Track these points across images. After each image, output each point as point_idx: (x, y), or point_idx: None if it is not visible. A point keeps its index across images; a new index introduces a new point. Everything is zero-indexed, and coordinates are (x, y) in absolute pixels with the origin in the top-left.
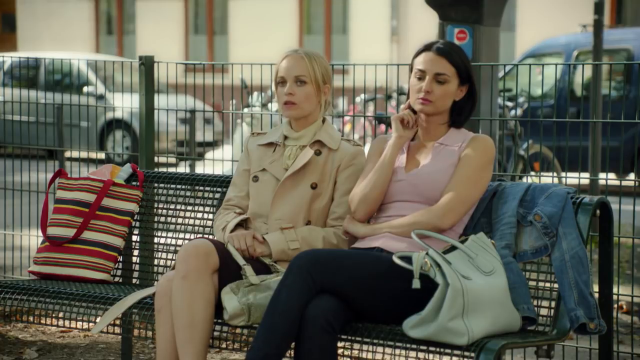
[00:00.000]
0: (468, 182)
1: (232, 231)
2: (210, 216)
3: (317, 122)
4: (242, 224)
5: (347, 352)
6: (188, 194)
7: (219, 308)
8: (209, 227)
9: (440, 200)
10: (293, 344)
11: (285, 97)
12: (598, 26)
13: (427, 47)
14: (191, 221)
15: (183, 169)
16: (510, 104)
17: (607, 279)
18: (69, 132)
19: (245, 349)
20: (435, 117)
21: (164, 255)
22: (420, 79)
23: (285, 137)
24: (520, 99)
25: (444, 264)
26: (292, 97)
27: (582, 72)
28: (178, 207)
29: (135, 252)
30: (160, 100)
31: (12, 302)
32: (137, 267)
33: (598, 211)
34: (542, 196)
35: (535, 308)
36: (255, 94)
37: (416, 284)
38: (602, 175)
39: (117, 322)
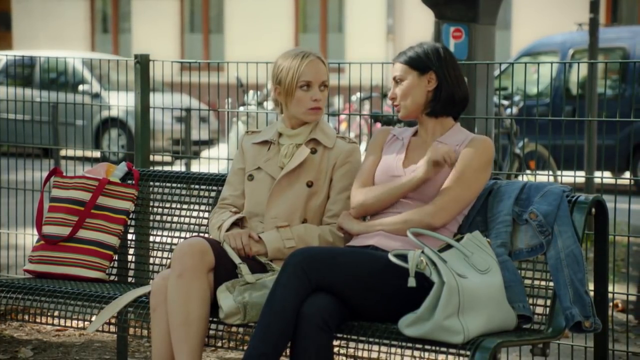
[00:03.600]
0: (463, 182)
1: (228, 230)
2: (206, 215)
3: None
4: (238, 223)
5: (342, 351)
6: (183, 192)
7: (214, 307)
8: (204, 225)
9: (434, 199)
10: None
11: (313, 102)
12: (594, 25)
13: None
14: (187, 220)
15: (178, 167)
16: (506, 102)
17: (602, 278)
18: (64, 130)
19: (241, 347)
20: (421, 115)
21: (159, 253)
22: None
23: (280, 135)
24: (516, 98)
25: (440, 263)
26: (319, 102)
27: (578, 71)
28: (173, 205)
29: (131, 251)
30: (155, 99)
31: (7, 300)
32: (132, 265)
33: (593, 210)
34: (538, 194)
35: (531, 306)
36: (250, 92)
37: (412, 282)
38: (597, 173)
39: (113, 320)
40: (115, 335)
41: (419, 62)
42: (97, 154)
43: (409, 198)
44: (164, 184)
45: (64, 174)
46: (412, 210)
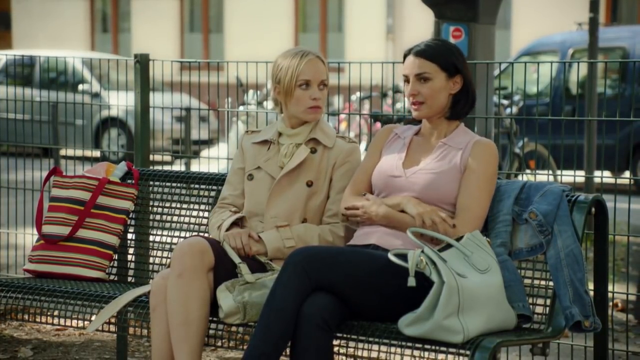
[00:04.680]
0: (480, 196)
1: (227, 229)
2: (206, 214)
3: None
4: (238, 223)
5: (342, 350)
6: (183, 192)
7: (214, 306)
8: (204, 225)
9: (456, 216)
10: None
11: (312, 101)
12: (593, 24)
13: (408, 52)
14: (186, 219)
15: (178, 167)
16: (505, 102)
17: (602, 277)
18: (64, 130)
19: (241, 347)
20: (436, 116)
21: (159, 253)
22: (407, 82)
23: (280, 135)
24: (516, 97)
25: (440, 262)
26: (319, 101)
27: (578, 70)
28: (173, 205)
29: (131, 250)
30: (155, 98)
31: (7, 300)
32: (132, 265)
33: (593, 209)
34: (538, 194)
35: (531, 306)
36: (250, 92)
37: (411, 282)
38: (597, 173)
39: (113, 320)
40: (115, 335)
41: (448, 65)
42: (97, 153)
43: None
44: (164, 183)
45: (64, 174)
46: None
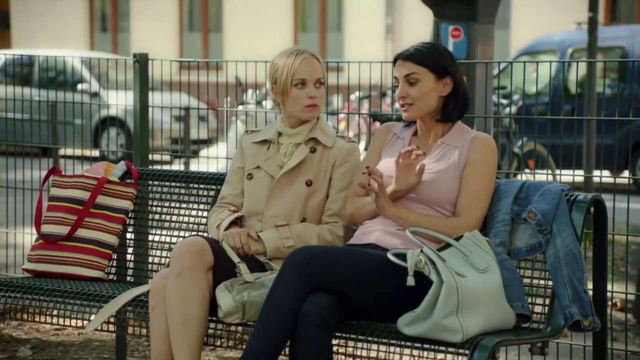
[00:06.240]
0: (482, 192)
1: (226, 229)
2: (205, 214)
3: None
4: (237, 222)
5: (341, 350)
6: (182, 191)
7: (213, 306)
8: (203, 224)
9: (463, 215)
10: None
11: (309, 99)
12: (592, 24)
13: (397, 56)
14: (185, 219)
15: (177, 166)
16: (504, 101)
17: (601, 277)
18: (63, 129)
19: (240, 346)
20: (427, 118)
21: (158, 252)
22: (397, 86)
23: (280, 135)
24: (515, 97)
25: (439, 262)
26: (316, 99)
27: (577, 70)
28: (172, 204)
29: (130, 250)
30: (154, 98)
31: (6, 299)
32: (131, 264)
33: (592, 209)
34: (537, 194)
35: (530, 305)
36: (249, 91)
37: (410, 281)
38: (596, 172)
39: (112, 319)
40: (114, 335)
41: (437, 66)
42: (96, 153)
43: (411, 199)
44: (163, 183)
45: (63, 173)
46: (444, 222)
